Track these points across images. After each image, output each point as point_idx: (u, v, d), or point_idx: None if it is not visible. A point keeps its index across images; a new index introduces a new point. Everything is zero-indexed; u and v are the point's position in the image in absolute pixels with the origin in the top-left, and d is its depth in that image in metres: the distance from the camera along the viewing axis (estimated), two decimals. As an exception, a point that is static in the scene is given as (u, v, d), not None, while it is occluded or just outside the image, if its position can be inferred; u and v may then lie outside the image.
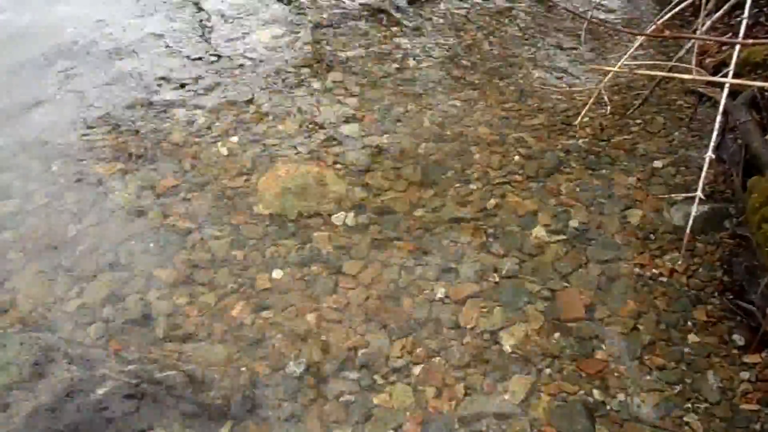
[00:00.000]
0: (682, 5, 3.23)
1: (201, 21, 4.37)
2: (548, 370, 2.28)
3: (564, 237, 2.80)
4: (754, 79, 3.05)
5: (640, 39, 3.38)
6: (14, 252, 2.64)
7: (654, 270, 2.65)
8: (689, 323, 2.44)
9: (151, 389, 1.98)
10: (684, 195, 2.87)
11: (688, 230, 2.36)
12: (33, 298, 2.46)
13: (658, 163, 3.21)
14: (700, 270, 2.64)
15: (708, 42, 3.65)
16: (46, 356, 2.00)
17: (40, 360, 1.98)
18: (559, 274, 2.63)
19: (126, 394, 1.93)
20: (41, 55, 3.92)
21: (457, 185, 3.07)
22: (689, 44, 3.46)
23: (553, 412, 2.14)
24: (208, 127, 3.37)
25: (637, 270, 2.65)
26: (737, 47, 2.61)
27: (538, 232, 2.82)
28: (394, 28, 4.42)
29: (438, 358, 2.32)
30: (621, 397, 2.20)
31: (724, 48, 3.67)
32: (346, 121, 3.47)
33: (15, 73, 3.77)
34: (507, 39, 4.43)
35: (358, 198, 2.98)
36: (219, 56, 3.98)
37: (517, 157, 3.25)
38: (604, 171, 3.17)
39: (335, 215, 2.88)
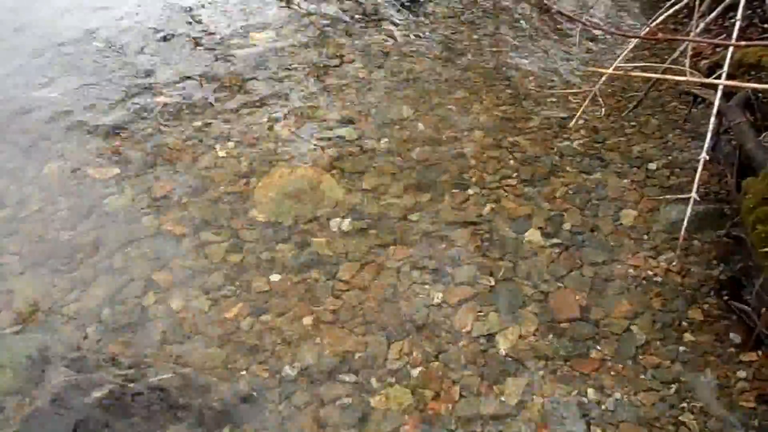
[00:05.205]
0: (676, 7, 3.24)
1: (198, 21, 4.39)
2: (543, 372, 2.28)
3: (558, 240, 2.81)
4: (748, 81, 3.06)
5: (634, 41, 3.39)
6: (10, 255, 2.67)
7: (649, 271, 2.65)
8: (684, 323, 2.44)
9: (148, 393, 1.98)
10: (678, 196, 2.88)
11: (683, 231, 2.36)
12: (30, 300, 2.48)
13: (652, 165, 3.22)
14: (696, 270, 2.64)
15: (702, 44, 3.67)
16: (42, 359, 2.01)
17: (37, 363, 1.99)
18: (553, 276, 2.64)
19: (123, 397, 1.94)
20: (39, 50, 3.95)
21: (453, 190, 3.08)
22: (683, 46, 3.47)
23: (548, 413, 2.14)
24: (205, 132, 3.39)
25: (631, 271, 2.65)
26: (731, 49, 2.62)
27: (533, 235, 2.83)
28: (391, 32, 4.44)
29: (435, 361, 2.33)
30: (616, 396, 2.20)
31: (717, 49, 3.68)
32: (343, 124, 3.48)
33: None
34: (502, 42, 4.46)
35: (355, 202, 2.99)
36: (216, 59, 4.00)
37: (512, 162, 3.26)
38: (598, 173, 3.18)
39: (332, 220, 2.90)
